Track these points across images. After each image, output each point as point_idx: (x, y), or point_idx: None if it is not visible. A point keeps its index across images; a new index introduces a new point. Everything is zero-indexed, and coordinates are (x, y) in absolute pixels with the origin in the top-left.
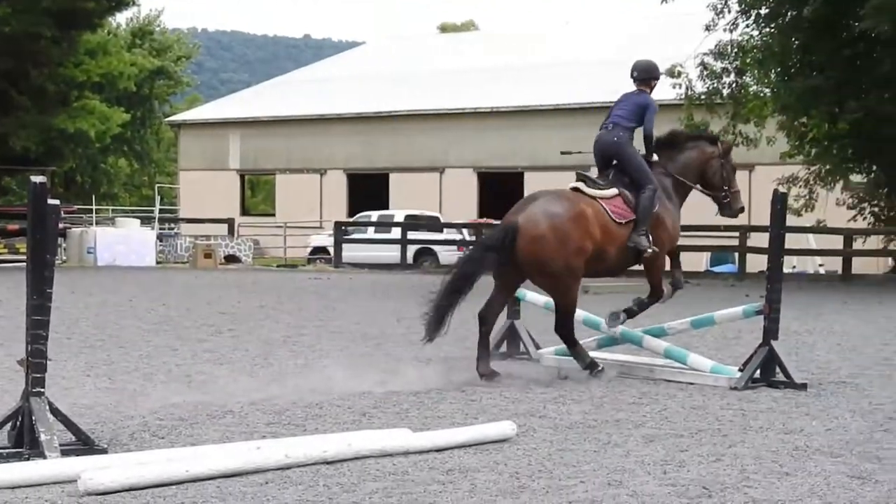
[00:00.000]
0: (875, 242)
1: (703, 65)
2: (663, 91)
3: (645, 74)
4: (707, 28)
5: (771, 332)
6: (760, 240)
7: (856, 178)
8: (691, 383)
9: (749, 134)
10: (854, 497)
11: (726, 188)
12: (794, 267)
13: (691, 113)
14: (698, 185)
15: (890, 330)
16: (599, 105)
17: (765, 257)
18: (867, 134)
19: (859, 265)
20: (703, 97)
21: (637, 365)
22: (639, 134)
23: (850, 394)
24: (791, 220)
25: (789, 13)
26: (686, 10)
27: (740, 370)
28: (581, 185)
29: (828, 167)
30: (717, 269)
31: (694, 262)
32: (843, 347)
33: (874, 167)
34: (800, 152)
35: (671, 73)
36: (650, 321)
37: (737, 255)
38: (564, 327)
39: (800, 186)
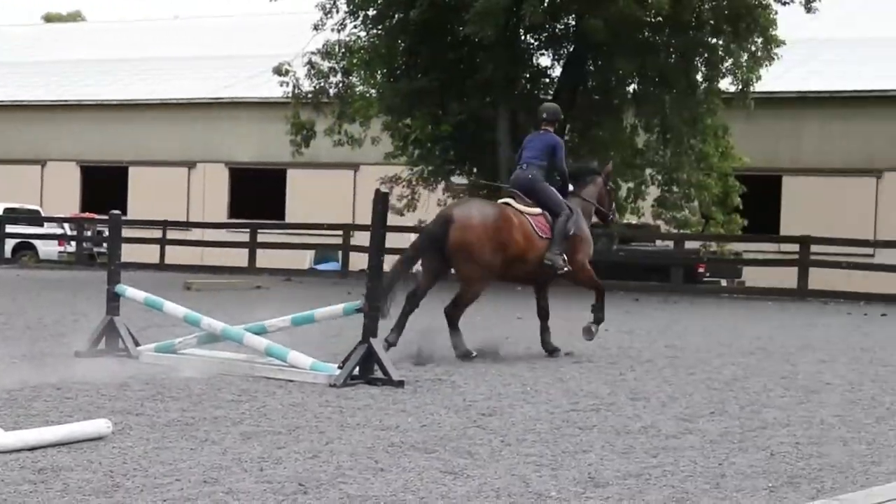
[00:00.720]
0: None
1: (311, 64)
2: (270, 89)
3: (552, 116)
4: (315, 27)
5: (370, 329)
6: (363, 238)
7: (457, 179)
8: (291, 381)
9: (354, 134)
10: (446, 491)
11: (613, 208)
12: None
13: (298, 111)
14: (597, 206)
15: (484, 328)
16: (206, 100)
17: (367, 255)
18: (468, 136)
19: None
20: (310, 96)
21: (238, 362)
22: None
23: (445, 391)
24: (393, 220)
25: (396, 16)
26: (294, 9)
27: (340, 367)
28: (510, 200)
29: (430, 168)
30: (320, 266)
31: (298, 260)
32: (448, 346)
33: (475, 169)
34: (403, 153)
35: (278, 71)
36: (251, 318)
37: (340, 253)
38: (457, 310)
39: (403, 186)
